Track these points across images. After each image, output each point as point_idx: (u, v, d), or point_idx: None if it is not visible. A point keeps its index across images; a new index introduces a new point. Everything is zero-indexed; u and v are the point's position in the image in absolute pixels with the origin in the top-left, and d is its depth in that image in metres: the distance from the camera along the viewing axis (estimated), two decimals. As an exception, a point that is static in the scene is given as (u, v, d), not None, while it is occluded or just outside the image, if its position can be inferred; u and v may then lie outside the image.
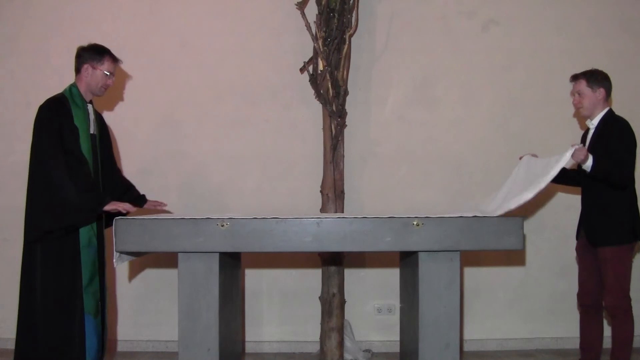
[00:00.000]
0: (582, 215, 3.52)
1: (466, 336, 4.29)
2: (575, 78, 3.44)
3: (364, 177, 4.30)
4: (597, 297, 3.44)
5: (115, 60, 3.22)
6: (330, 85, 3.99)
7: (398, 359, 3.65)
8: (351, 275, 4.23)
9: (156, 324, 4.25)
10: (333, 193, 4.04)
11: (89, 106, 3.20)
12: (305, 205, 4.19)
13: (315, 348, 4.20)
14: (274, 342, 4.29)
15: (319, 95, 4.05)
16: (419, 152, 4.32)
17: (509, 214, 2.83)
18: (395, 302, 3.95)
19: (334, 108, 4.01)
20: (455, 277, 2.82)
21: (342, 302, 4.07)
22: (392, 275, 3.84)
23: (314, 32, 4.03)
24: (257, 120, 4.29)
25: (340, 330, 4.02)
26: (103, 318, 3.19)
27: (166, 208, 3.56)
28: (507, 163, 4.30)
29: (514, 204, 2.82)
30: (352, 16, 4.05)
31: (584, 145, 3.40)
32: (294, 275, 4.30)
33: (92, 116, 3.20)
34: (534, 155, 3.27)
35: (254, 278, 4.28)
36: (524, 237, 2.78)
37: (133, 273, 4.31)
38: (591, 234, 3.39)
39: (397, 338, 3.60)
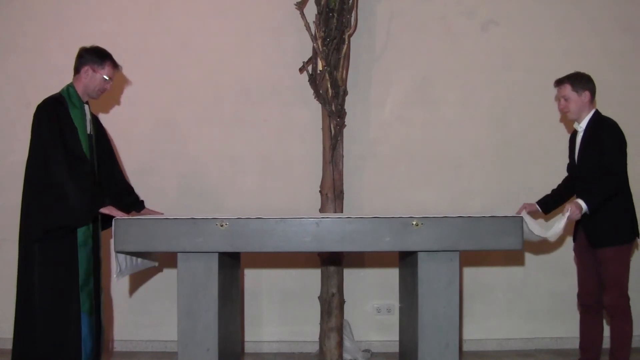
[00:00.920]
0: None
1: (466, 336, 4.29)
2: (559, 83, 3.42)
3: (363, 177, 4.30)
4: (597, 297, 3.44)
5: (115, 66, 3.20)
6: (329, 85, 3.99)
7: (397, 359, 3.65)
8: (350, 275, 4.23)
9: (156, 324, 4.24)
10: (332, 193, 4.04)
11: (86, 107, 3.20)
12: (304, 205, 4.19)
13: (314, 348, 4.20)
14: (274, 342, 4.28)
15: (318, 95, 4.05)
16: (419, 152, 4.32)
17: (508, 214, 2.85)
18: (395, 302, 3.95)
19: (334, 108, 4.01)
20: (455, 277, 2.82)
21: (342, 302, 4.07)
22: (391, 275, 3.83)
23: (313, 32, 4.03)
24: (257, 120, 4.29)
25: (340, 330, 4.02)
26: (99, 317, 3.19)
27: (166, 208, 3.56)
28: (506, 163, 4.33)
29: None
30: (351, 16, 4.04)
31: (574, 149, 3.48)
32: (294, 275, 4.30)
33: (88, 116, 3.20)
34: (531, 206, 3.55)
35: (253, 278, 4.28)
36: (523, 237, 2.78)
37: (133, 273, 4.30)
38: (591, 235, 3.39)
39: (397, 338, 3.59)
